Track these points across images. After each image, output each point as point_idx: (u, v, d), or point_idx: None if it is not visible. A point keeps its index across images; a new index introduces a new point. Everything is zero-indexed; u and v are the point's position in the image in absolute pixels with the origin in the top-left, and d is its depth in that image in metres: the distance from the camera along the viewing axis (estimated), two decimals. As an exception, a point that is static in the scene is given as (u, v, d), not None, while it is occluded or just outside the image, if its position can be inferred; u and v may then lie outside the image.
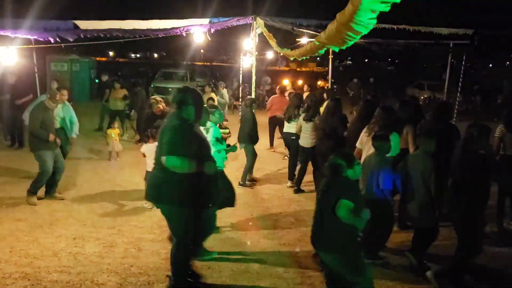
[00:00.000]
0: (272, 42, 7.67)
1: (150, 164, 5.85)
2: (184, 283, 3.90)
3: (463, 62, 10.36)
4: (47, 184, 6.24)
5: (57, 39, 6.39)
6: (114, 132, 8.85)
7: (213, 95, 11.33)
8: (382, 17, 2.38)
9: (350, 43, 3.15)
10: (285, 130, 7.54)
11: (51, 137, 5.97)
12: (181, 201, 3.62)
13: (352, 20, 2.55)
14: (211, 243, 4.99)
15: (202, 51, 62.78)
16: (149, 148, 5.89)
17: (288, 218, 5.86)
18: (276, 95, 10.40)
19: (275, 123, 9.85)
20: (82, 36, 6.72)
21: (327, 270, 3.60)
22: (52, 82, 9.43)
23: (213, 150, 4.53)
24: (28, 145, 6.30)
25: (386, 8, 2.23)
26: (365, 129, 5.31)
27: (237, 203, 6.43)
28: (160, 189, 3.68)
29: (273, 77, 25.92)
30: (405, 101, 6.45)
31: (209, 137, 4.92)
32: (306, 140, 6.89)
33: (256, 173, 8.07)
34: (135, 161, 8.76)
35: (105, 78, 12.48)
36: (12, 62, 6.78)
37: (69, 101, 7.21)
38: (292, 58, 6.80)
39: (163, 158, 3.51)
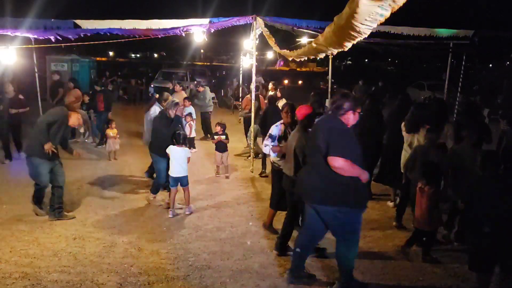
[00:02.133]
0: (271, 42, 7.67)
1: (175, 169, 5.77)
2: (354, 282, 3.96)
3: (463, 62, 10.36)
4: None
5: (58, 38, 6.36)
6: (113, 132, 8.87)
7: (183, 93, 11.03)
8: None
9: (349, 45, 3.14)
10: None
11: None
12: (349, 202, 3.63)
13: (349, 23, 2.55)
14: (209, 242, 5.01)
15: (202, 51, 62.82)
16: (178, 153, 5.79)
17: (288, 218, 5.85)
18: (248, 95, 10.43)
19: (249, 122, 9.90)
20: (82, 35, 6.70)
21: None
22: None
23: None
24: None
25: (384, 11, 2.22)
26: (402, 126, 5.83)
27: (237, 203, 6.47)
28: (326, 191, 3.65)
29: (273, 78, 25.92)
30: (439, 100, 6.86)
31: None
32: None
33: (255, 173, 8.09)
34: (135, 161, 8.78)
35: (56, 77, 11.63)
36: (11, 61, 6.77)
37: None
38: (290, 58, 6.81)
39: (332, 158, 3.49)
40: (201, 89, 11.84)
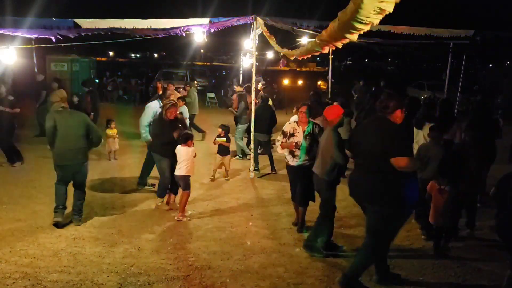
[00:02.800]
0: (272, 42, 7.67)
1: (179, 167, 5.69)
2: (359, 283, 3.99)
3: (463, 62, 10.37)
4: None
5: (58, 37, 6.34)
6: (112, 132, 8.84)
7: (176, 93, 10.92)
8: (382, 18, 2.38)
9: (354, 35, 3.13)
10: None
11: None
12: (402, 203, 3.70)
13: (353, 18, 2.56)
14: (209, 242, 5.00)
15: (202, 51, 62.84)
16: (179, 152, 5.69)
17: (288, 218, 5.85)
18: (235, 95, 10.49)
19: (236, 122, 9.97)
20: (83, 34, 6.69)
21: None
22: (53, 83, 8.69)
23: None
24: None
25: (388, 7, 2.23)
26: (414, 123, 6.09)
27: (237, 203, 6.47)
28: (380, 191, 3.73)
29: (273, 77, 25.93)
30: (446, 99, 7.35)
31: None
32: (343, 133, 7.64)
33: (256, 173, 8.08)
34: (135, 161, 8.77)
35: (40, 77, 10.88)
36: (11, 61, 6.77)
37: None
38: (292, 58, 6.81)
39: (397, 159, 3.54)
40: (187, 88, 11.60)
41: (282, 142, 5.37)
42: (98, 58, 31.66)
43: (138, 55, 76.86)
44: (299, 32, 9.71)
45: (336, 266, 4.49)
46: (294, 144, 5.21)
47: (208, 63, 55.75)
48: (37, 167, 8.02)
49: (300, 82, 28.97)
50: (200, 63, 50.93)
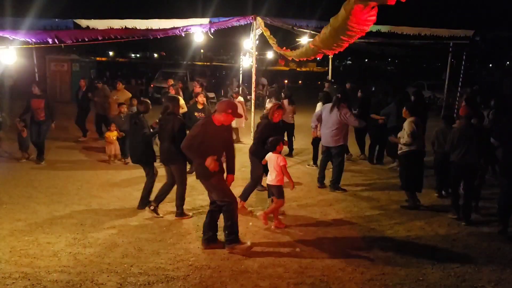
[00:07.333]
0: (271, 42, 7.68)
1: (271, 176, 5.43)
2: None
3: (463, 62, 10.38)
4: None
5: (56, 41, 6.34)
6: (112, 135, 8.78)
7: (127, 92, 10.05)
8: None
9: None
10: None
11: None
12: None
13: (345, 25, 2.56)
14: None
15: (202, 51, 62.85)
16: (273, 159, 5.41)
17: (288, 218, 5.85)
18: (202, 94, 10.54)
19: None
20: (79, 40, 6.70)
21: None
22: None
23: None
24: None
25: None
26: None
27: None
28: None
29: (273, 78, 25.93)
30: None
31: None
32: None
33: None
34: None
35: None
36: (11, 61, 6.77)
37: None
38: (290, 59, 6.84)
39: None
40: (99, 85, 10.72)
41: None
42: (98, 58, 31.69)
43: (138, 55, 76.87)
44: (299, 32, 9.72)
45: (336, 266, 4.49)
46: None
47: (208, 63, 55.74)
48: (38, 167, 8.03)
49: (300, 82, 29.02)
50: (200, 63, 50.92)
